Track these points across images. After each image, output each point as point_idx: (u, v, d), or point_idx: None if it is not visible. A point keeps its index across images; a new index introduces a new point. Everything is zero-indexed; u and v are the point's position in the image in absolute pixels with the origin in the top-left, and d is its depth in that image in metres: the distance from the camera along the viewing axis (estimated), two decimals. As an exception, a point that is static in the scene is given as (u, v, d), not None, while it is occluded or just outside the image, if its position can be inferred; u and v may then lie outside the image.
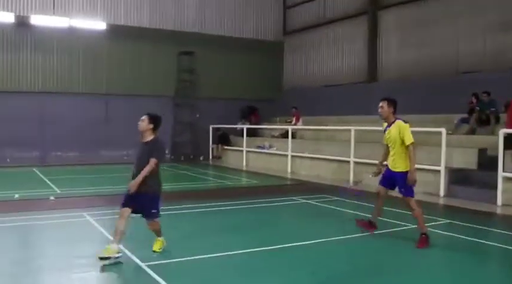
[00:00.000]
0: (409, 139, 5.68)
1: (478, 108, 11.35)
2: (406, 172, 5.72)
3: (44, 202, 8.57)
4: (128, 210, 5.10)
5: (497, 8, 12.94)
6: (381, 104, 5.94)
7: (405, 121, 5.84)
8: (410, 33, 15.36)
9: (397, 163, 5.82)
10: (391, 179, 5.97)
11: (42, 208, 7.92)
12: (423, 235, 5.71)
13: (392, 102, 5.92)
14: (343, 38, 17.99)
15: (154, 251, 5.32)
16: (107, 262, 4.72)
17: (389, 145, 5.95)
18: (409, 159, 5.70)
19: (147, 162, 5.07)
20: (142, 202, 5.11)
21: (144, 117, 5.28)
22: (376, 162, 6.44)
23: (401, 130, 5.73)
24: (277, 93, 20.80)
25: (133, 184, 5.04)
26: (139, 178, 5.03)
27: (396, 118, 5.90)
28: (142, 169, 5.07)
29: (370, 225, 6.27)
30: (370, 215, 6.45)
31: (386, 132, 5.98)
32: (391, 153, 5.92)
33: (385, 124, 6.05)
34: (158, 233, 5.43)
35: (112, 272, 4.66)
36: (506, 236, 6.64)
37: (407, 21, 15.51)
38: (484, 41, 13.26)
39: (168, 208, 7.90)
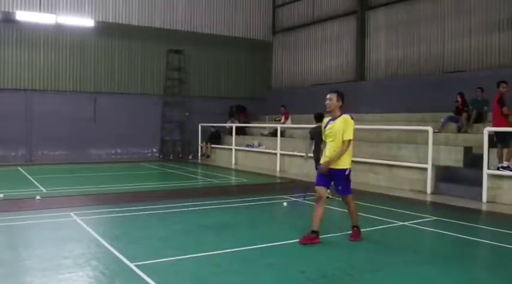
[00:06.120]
0: (349, 136, 5.46)
1: (471, 106, 11.41)
2: (345, 170, 5.56)
3: (30, 201, 8.45)
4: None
5: (483, 9, 13.13)
6: (329, 96, 5.67)
7: (352, 118, 5.61)
8: (398, 33, 15.50)
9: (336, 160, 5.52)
10: (329, 176, 5.63)
11: (27, 208, 7.82)
12: (355, 228, 5.85)
13: (341, 96, 5.69)
14: (332, 37, 18.08)
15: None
16: None
17: (328, 140, 5.64)
18: (338, 151, 5.46)
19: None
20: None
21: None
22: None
23: (346, 124, 5.49)
24: (266, 92, 20.83)
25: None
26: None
27: (342, 113, 5.65)
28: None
29: (314, 236, 5.65)
30: (359, 213, 6.45)
31: (328, 126, 5.67)
32: (330, 148, 5.59)
33: (327, 118, 5.81)
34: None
35: (99, 272, 4.63)
36: (491, 232, 6.76)
37: (395, 21, 15.65)
38: (469, 41, 13.45)
39: (156, 207, 7.88)
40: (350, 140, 5.49)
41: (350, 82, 16.98)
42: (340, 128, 5.52)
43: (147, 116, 18.06)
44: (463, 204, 8.68)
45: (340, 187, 5.63)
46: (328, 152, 5.62)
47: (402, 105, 14.20)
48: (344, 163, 5.57)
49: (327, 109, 5.70)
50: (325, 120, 5.85)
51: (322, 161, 5.71)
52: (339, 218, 8.00)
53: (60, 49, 16.78)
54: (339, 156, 5.49)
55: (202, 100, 18.84)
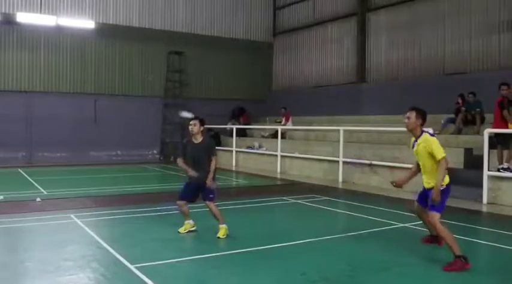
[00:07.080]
0: (439, 153, 5.04)
1: (464, 108, 11.53)
2: (441, 186, 5.07)
3: (31, 203, 8.45)
4: (183, 202, 6.26)
5: (483, 11, 13.14)
6: (407, 114, 5.29)
7: (432, 134, 5.29)
8: (399, 35, 15.51)
9: (430, 181, 5.21)
10: (426, 197, 5.33)
11: (28, 210, 7.81)
12: (458, 259, 4.93)
13: (421, 113, 5.27)
14: (333, 39, 18.09)
15: (218, 237, 5.99)
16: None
17: (419, 161, 5.37)
18: (440, 174, 5.04)
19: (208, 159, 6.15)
20: (209, 189, 6.11)
21: (195, 121, 6.20)
22: (384, 163, 5.91)
23: (428, 144, 5.11)
24: (267, 94, 20.84)
25: (210, 180, 6.12)
26: (211, 174, 6.16)
27: (423, 131, 5.28)
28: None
29: (433, 239, 5.74)
30: (360, 215, 6.47)
31: (414, 147, 5.34)
32: (422, 170, 5.33)
33: (413, 138, 5.39)
34: (220, 219, 6.15)
35: (100, 274, 4.62)
36: (492, 234, 6.75)
37: (396, 22, 15.66)
38: (470, 43, 13.46)
39: (156, 209, 7.87)
40: (444, 157, 5.06)
41: (351, 84, 16.98)
42: (423, 148, 5.15)
43: (147, 118, 18.06)
44: (464, 206, 8.65)
45: (430, 203, 5.15)
46: (426, 177, 5.28)
47: (403, 107, 14.11)
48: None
49: (406, 128, 5.35)
50: (412, 139, 5.45)
51: (426, 185, 5.30)
52: (341, 220, 7.99)
53: (60, 51, 16.80)
54: (442, 178, 5.06)
55: (202, 102, 18.82)
